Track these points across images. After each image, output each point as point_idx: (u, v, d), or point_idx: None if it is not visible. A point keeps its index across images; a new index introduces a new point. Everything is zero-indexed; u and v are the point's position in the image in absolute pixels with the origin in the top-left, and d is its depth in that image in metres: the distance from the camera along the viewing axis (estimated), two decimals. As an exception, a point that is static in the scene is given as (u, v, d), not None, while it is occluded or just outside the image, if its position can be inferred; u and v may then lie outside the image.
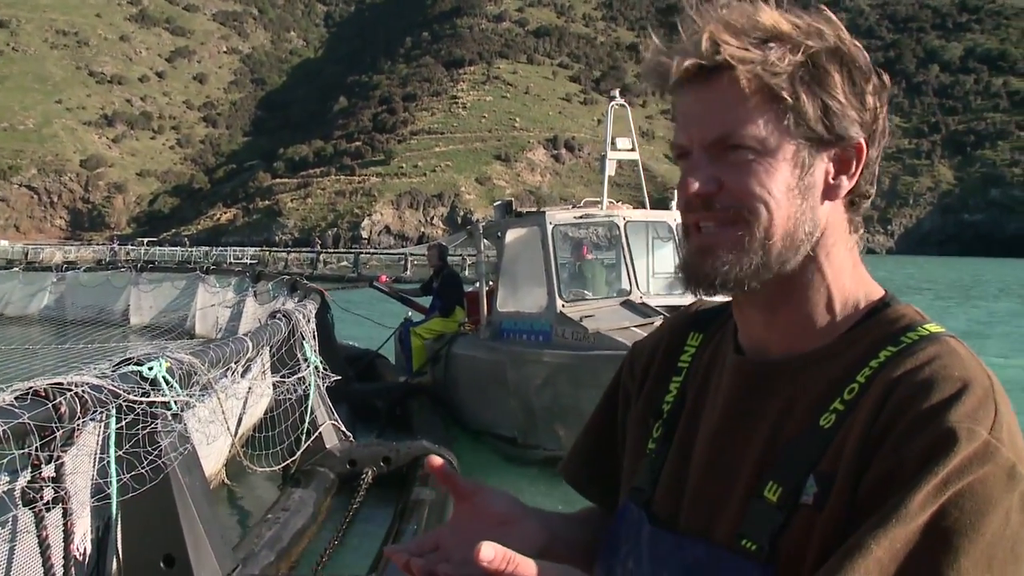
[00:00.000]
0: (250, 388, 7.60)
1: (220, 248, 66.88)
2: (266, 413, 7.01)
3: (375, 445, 7.30)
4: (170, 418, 4.13)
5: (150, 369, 4.02)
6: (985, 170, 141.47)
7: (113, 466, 3.95)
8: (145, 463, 3.93)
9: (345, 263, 57.03)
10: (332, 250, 74.66)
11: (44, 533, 3.40)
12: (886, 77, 1.00)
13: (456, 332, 10.50)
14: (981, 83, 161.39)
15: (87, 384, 3.52)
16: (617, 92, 10.03)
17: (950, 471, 0.81)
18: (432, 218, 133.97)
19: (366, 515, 6.46)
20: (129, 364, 4.03)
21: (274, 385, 6.76)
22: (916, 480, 0.82)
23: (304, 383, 6.79)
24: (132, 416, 3.88)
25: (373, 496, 6.63)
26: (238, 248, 67.75)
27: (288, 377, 6.66)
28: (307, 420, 6.76)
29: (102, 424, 3.93)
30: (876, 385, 0.91)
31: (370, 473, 6.74)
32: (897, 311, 0.99)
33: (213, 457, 6.80)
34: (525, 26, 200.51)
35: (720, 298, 1.02)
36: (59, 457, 3.42)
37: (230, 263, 51.16)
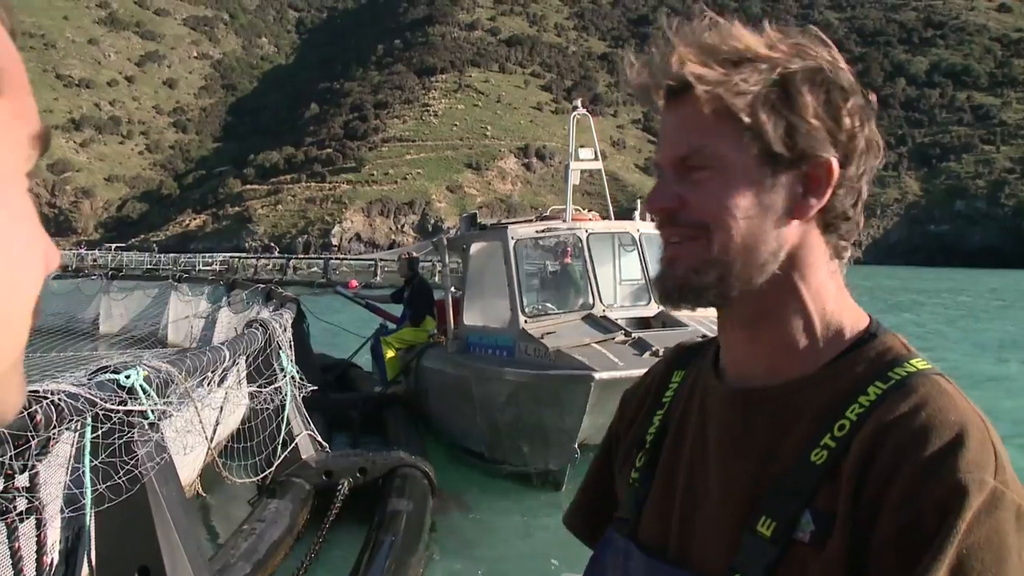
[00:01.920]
0: (226, 397, 7.53)
1: (188, 255, 66.27)
2: (243, 423, 6.93)
3: (351, 456, 7.23)
4: (147, 427, 4.06)
5: (127, 377, 3.95)
6: (950, 182, 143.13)
7: (88, 476, 3.88)
8: (121, 473, 3.86)
9: (315, 269, 56.75)
10: (302, 256, 74.10)
11: (16, 544, 3.33)
12: (872, 98, 0.99)
13: (426, 343, 10.46)
14: (946, 97, 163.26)
15: (63, 392, 3.45)
16: (579, 102, 10.10)
17: (968, 524, 0.82)
18: (403, 226, 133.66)
19: (342, 527, 6.40)
20: (106, 372, 3.96)
21: (251, 395, 6.68)
22: (939, 541, 0.83)
23: (280, 393, 6.71)
24: (108, 425, 3.81)
25: (349, 507, 6.56)
26: (207, 255, 67.11)
27: (265, 387, 6.58)
28: (283, 430, 6.69)
29: (76, 433, 3.86)
30: (869, 425, 0.91)
31: (346, 484, 6.68)
32: (884, 343, 0.99)
33: (189, 467, 6.70)
34: (497, 35, 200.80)
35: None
36: (33, 467, 3.35)
37: (199, 270, 50.78)
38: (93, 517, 3.93)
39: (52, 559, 3.91)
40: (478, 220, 10.06)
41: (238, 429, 7.05)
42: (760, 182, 0.96)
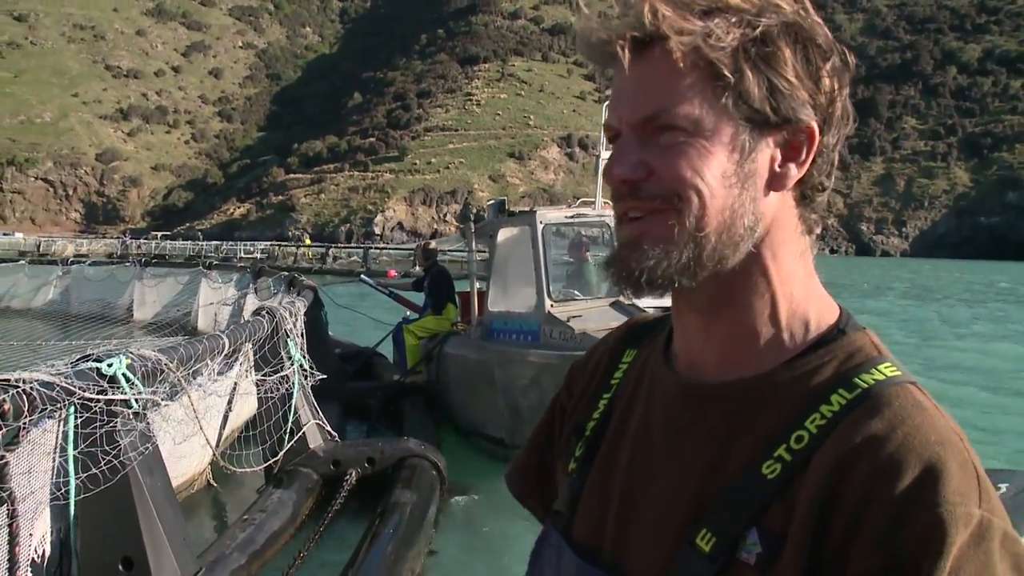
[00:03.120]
0: (235, 386, 7.50)
1: (230, 243, 66.96)
2: (256, 412, 6.90)
3: (360, 445, 7.17)
4: (131, 416, 4.01)
5: (109, 366, 3.90)
6: (1002, 173, 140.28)
7: (72, 465, 3.84)
8: (103, 463, 3.82)
9: (355, 258, 57.03)
10: (341, 245, 74.54)
11: (-13, 535, 3.29)
12: (850, 57, 0.89)
13: (449, 331, 10.38)
14: (999, 85, 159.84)
15: (36, 381, 3.41)
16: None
17: (955, 562, 0.73)
18: (445, 215, 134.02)
19: (349, 517, 6.34)
20: (88, 360, 3.91)
21: (257, 384, 6.64)
22: None
23: (288, 381, 6.66)
24: (88, 414, 3.77)
25: (356, 497, 6.50)
26: (249, 243, 67.79)
27: (271, 375, 6.53)
28: (290, 419, 6.64)
29: (59, 422, 3.83)
30: (834, 443, 0.81)
31: (354, 474, 6.62)
32: (853, 341, 0.88)
33: (196, 457, 6.70)
34: (540, 24, 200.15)
35: (651, 301, 1.01)
36: (2, 456, 3.31)
37: (240, 257, 51.25)
38: (78, 506, 3.90)
39: (44, 550, 3.90)
40: (507, 207, 9.98)
41: (252, 418, 7.03)
42: (740, 147, 0.85)
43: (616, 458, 0.98)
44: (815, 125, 0.86)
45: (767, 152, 0.87)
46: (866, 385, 0.83)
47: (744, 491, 0.84)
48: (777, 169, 0.87)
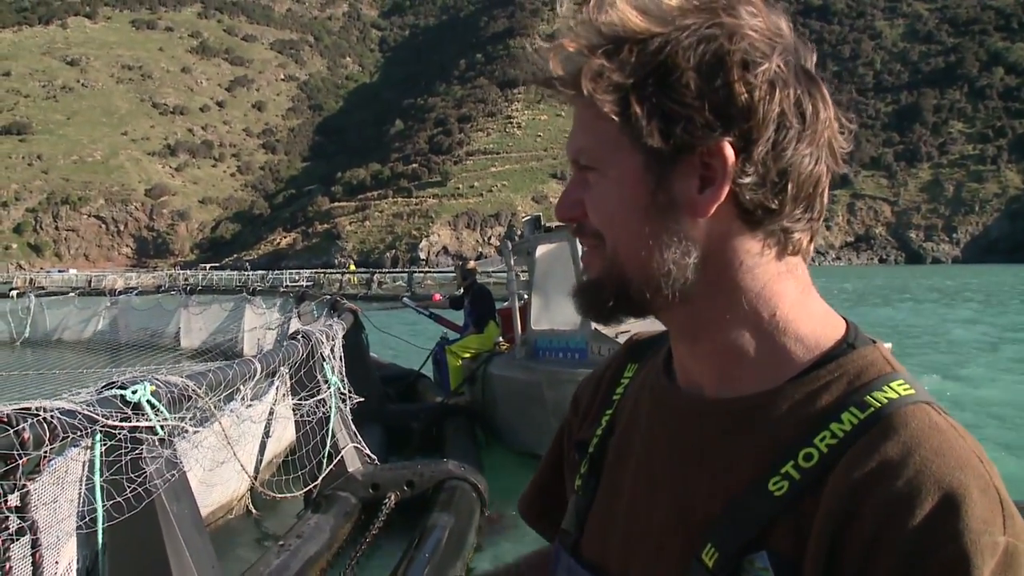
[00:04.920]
0: (272, 411, 7.45)
1: (276, 271, 67.67)
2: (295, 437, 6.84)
3: (399, 468, 7.05)
4: (156, 443, 3.95)
5: (133, 392, 3.84)
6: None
7: (99, 493, 3.79)
8: (128, 491, 3.76)
9: (400, 283, 57.31)
10: (386, 271, 75.02)
11: (8, 566, 3.23)
12: (788, 62, 0.82)
13: (492, 351, 10.26)
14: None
15: (57, 410, 3.35)
16: None
17: None
18: (489, 238, 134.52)
19: (386, 541, 6.22)
20: (112, 388, 3.86)
21: (293, 408, 6.58)
22: None
23: (325, 405, 6.59)
24: (111, 442, 3.71)
25: (395, 521, 6.39)
26: (294, 271, 68.46)
27: (307, 400, 6.46)
28: (328, 443, 6.56)
29: (85, 450, 3.78)
30: (846, 468, 0.77)
31: (393, 497, 6.50)
32: (863, 356, 0.84)
33: (233, 483, 6.65)
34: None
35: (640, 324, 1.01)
36: (24, 486, 3.25)
37: (286, 286, 51.77)
38: (105, 534, 3.85)
39: (72, 577, 3.84)
40: (542, 223, 9.86)
41: (292, 443, 6.97)
42: (644, 182, 0.83)
43: (620, 475, 0.97)
44: (725, 143, 0.80)
45: (682, 181, 0.83)
46: (879, 404, 0.80)
47: (749, 508, 0.82)
48: (696, 195, 0.83)
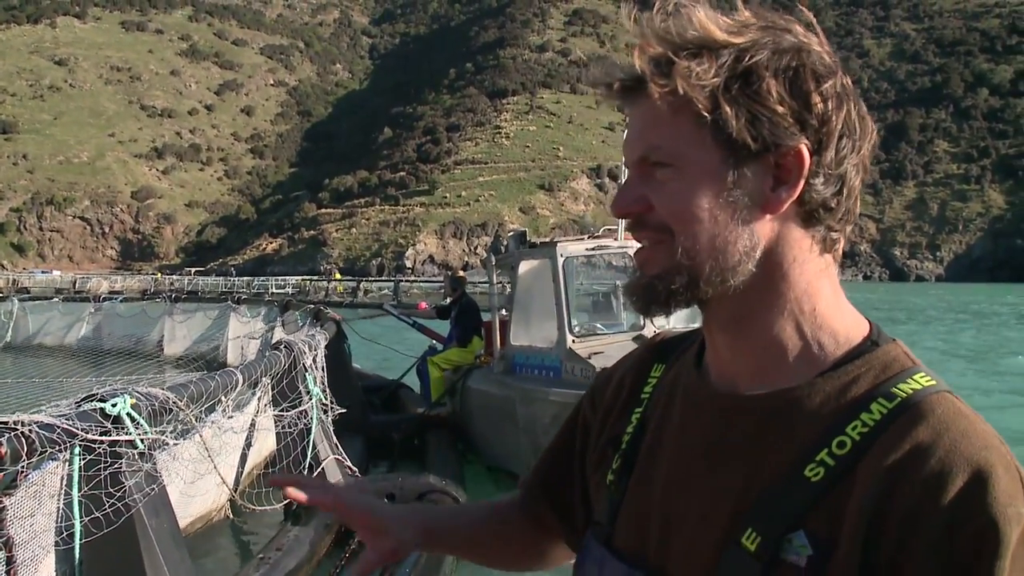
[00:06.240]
0: (253, 423, 7.42)
1: (262, 278, 67.44)
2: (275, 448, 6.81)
3: (379, 480, 7.04)
4: (136, 457, 3.93)
5: (113, 406, 3.82)
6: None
7: (77, 508, 3.76)
8: (107, 505, 3.74)
9: (386, 291, 57.22)
10: (372, 279, 74.85)
11: (-18, 581, 3.21)
12: (846, 80, 0.93)
13: (472, 364, 10.26)
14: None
15: (36, 424, 3.33)
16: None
17: (1011, 560, 0.78)
18: (476, 248, 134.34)
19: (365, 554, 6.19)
20: (92, 400, 3.84)
21: (275, 419, 6.55)
22: None
23: (306, 416, 6.57)
24: (91, 456, 3.69)
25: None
26: (280, 278, 68.26)
27: (289, 411, 6.44)
28: (309, 455, 6.54)
29: (63, 464, 3.75)
30: (881, 451, 0.84)
31: (373, 510, 6.48)
32: (887, 352, 0.92)
33: (212, 494, 6.61)
34: (568, 56, 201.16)
35: (675, 323, 1.05)
36: (0, 501, 3.23)
37: (272, 293, 51.61)
38: (83, 550, 3.82)
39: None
40: (527, 238, 9.86)
41: (272, 454, 6.94)
42: (724, 178, 0.91)
43: (654, 469, 1.02)
44: (804, 147, 0.89)
45: (757, 178, 0.90)
46: (905, 394, 0.87)
47: (788, 492, 0.88)
48: (770, 193, 0.91)
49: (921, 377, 0.89)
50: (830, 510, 0.85)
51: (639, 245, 0.97)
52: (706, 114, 0.89)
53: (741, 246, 0.91)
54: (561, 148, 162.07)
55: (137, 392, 4.02)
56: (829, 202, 0.92)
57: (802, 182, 0.90)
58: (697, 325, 0.96)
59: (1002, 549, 0.77)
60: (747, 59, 0.89)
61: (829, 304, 0.95)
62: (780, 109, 0.88)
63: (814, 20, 0.94)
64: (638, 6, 0.95)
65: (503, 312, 9.80)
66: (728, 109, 0.89)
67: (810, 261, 0.94)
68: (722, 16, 0.91)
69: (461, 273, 12.48)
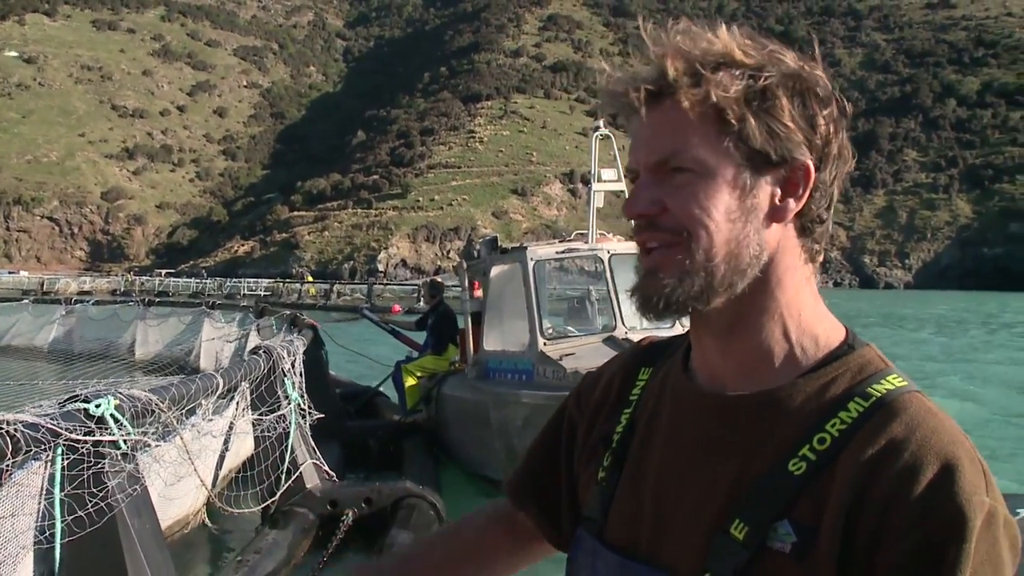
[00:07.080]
0: (232, 426, 7.42)
1: (234, 280, 66.98)
2: (253, 452, 6.81)
3: (357, 485, 7.08)
4: (119, 458, 3.95)
5: (97, 407, 3.84)
6: (1004, 204, 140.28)
7: (58, 508, 3.77)
8: (90, 505, 3.75)
9: (359, 295, 57.02)
10: (345, 282, 74.60)
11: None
12: (848, 106, 1.01)
13: (447, 371, 10.30)
14: (999, 117, 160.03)
15: (21, 422, 3.35)
16: (601, 121, 9.86)
17: (976, 544, 0.85)
18: (448, 252, 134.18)
19: (346, 559, 6.24)
20: (76, 401, 3.85)
21: (253, 423, 6.57)
22: (952, 562, 0.84)
23: (284, 421, 6.59)
24: (74, 456, 3.70)
25: (353, 538, 6.40)
26: (252, 280, 67.82)
27: (268, 415, 6.46)
28: (287, 459, 6.55)
29: (46, 464, 3.76)
30: (859, 446, 0.91)
31: (351, 514, 6.52)
32: (863, 355, 0.99)
33: (190, 497, 6.60)
34: (542, 61, 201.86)
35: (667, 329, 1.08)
36: (-17, 500, 3.24)
37: (244, 295, 51.28)
38: (64, 550, 3.82)
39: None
40: (499, 244, 9.91)
41: (249, 458, 6.94)
42: (742, 185, 0.97)
43: (645, 466, 1.07)
44: (811, 163, 0.97)
45: (767, 188, 0.98)
46: (880, 394, 0.94)
47: (773, 485, 0.94)
48: (777, 203, 0.98)
49: (894, 378, 0.96)
50: (812, 500, 0.92)
51: (644, 248, 1.01)
52: (735, 122, 0.95)
53: (751, 251, 0.97)
54: (534, 153, 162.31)
55: (120, 393, 4.04)
56: (822, 215, 1.00)
57: (807, 195, 0.98)
58: (669, 329, 1.11)
59: (968, 533, 0.84)
60: (763, 78, 0.95)
61: (812, 310, 1.01)
62: (792, 126, 0.96)
63: (817, 48, 1.01)
64: (648, 20, 1.01)
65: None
66: (753, 121, 0.95)
67: (799, 269, 1.01)
68: (737, 37, 0.98)
69: (439, 279, 12.50)
